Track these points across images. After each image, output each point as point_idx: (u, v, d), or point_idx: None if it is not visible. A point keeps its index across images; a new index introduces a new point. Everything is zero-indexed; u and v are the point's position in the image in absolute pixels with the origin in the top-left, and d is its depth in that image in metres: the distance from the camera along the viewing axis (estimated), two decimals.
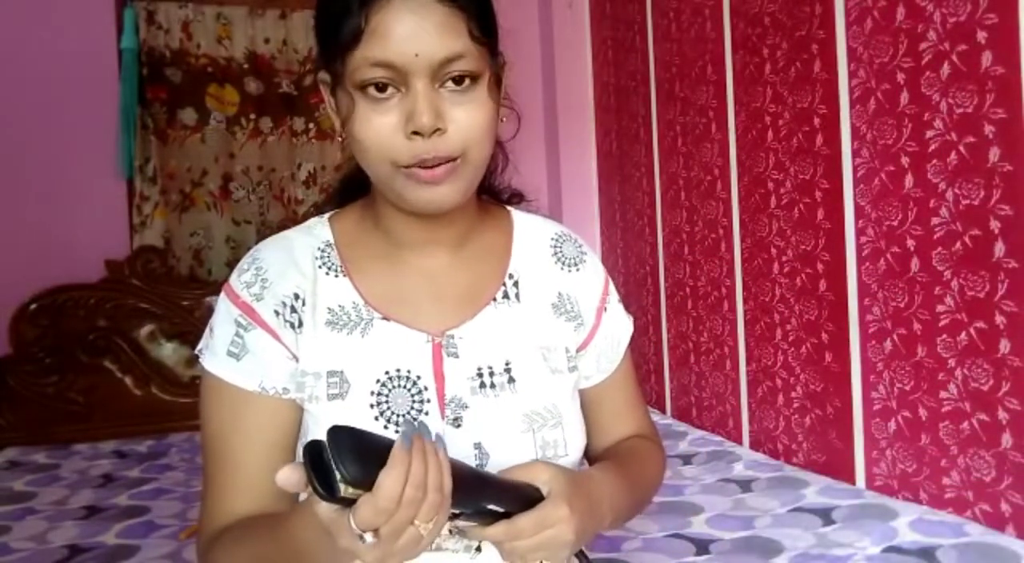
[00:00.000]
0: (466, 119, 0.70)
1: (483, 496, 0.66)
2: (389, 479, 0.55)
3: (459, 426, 0.75)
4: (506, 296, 0.82)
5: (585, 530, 0.70)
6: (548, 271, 0.86)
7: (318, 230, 0.82)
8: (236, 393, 0.75)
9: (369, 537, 0.56)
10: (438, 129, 0.68)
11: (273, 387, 0.76)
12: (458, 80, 0.69)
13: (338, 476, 0.54)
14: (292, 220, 2.86)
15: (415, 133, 0.68)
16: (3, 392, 2.49)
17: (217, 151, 2.88)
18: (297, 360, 0.76)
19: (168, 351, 2.68)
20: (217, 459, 0.76)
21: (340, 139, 0.76)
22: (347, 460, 0.54)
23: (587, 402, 0.89)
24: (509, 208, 0.90)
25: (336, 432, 0.56)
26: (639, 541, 1.54)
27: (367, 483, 0.55)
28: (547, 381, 0.80)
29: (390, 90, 0.68)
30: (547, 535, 0.67)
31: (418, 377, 0.76)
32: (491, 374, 0.77)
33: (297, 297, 0.77)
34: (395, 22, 0.66)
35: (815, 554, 1.43)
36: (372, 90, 0.68)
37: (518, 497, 0.68)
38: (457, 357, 0.77)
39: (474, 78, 0.70)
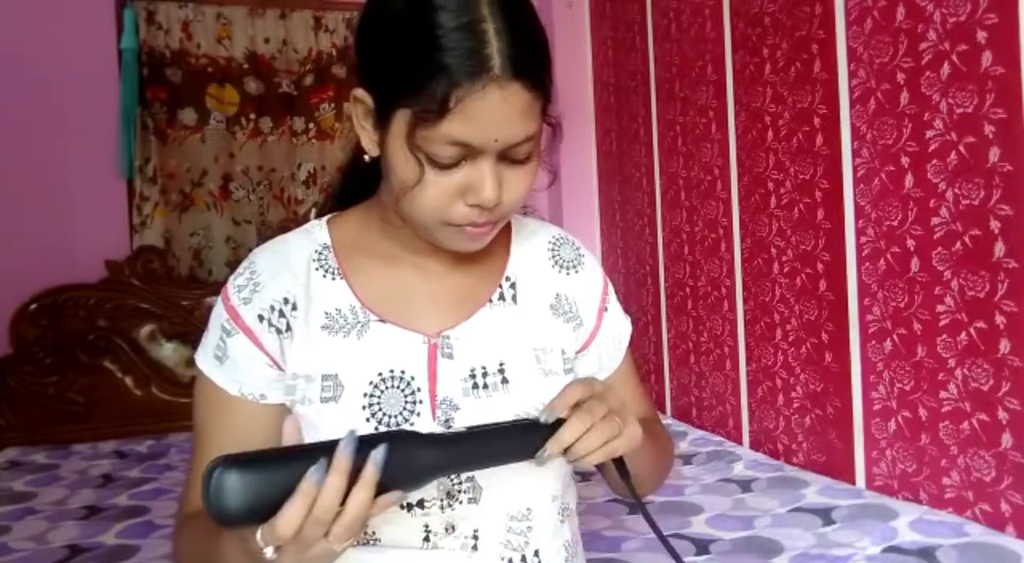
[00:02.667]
0: (518, 188, 0.72)
1: (483, 459, 0.66)
2: (290, 512, 0.56)
3: (450, 427, 0.75)
4: (502, 298, 0.82)
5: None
6: (546, 274, 0.86)
7: (316, 233, 0.82)
8: (219, 393, 0.77)
9: (270, 552, 0.58)
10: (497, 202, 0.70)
11: (251, 393, 0.77)
12: (521, 158, 0.70)
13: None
14: (292, 220, 2.87)
15: (476, 205, 0.69)
16: (3, 392, 2.49)
17: (217, 151, 2.88)
18: (279, 367, 0.77)
19: (168, 351, 2.68)
20: (197, 450, 0.79)
21: (368, 158, 0.74)
22: (223, 502, 0.55)
23: None
24: None
25: (220, 470, 0.55)
26: (639, 541, 1.54)
27: (248, 521, 0.56)
28: (540, 383, 0.80)
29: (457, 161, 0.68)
30: (599, 389, 0.70)
31: (412, 378, 0.76)
32: (484, 375, 0.77)
33: (287, 301, 0.77)
34: (485, 109, 0.65)
35: (815, 554, 1.43)
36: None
37: (514, 439, 0.68)
38: (452, 358, 0.77)
39: (531, 153, 0.71)
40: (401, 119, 0.67)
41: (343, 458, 0.57)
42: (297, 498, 0.56)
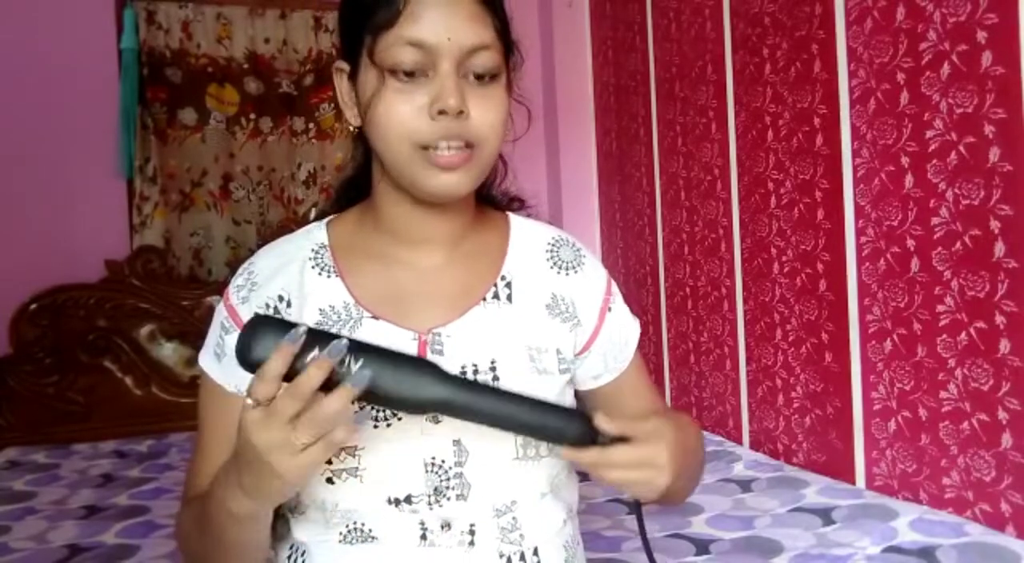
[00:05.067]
0: (486, 111, 0.74)
1: (488, 416, 0.68)
2: (273, 361, 0.62)
3: (438, 422, 0.75)
4: (496, 296, 0.82)
5: (675, 476, 0.73)
6: (543, 274, 0.86)
7: (315, 233, 0.84)
8: (217, 389, 0.80)
9: (250, 401, 0.63)
10: (462, 112, 0.72)
11: (246, 390, 0.77)
12: (480, 76, 0.73)
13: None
14: (292, 220, 2.86)
15: (441, 113, 0.71)
16: (3, 392, 2.48)
17: (217, 151, 2.87)
18: None
19: (168, 351, 2.67)
20: (198, 443, 0.83)
21: (352, 128, 0.80)
22: (250, 344, 0.64)
23: (605, 398, 0.91)
24: (507, 213, 0.90)
25: (258, 318, 0.65)
26: (639, 541, 1.54)
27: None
28: (533, 381, 0.80)
29: (418, 74, 0.72)
30: (644, 475, 0.71)
31: None
32: (475, 372, 0.78)
33: (282, 299, 0.79)
34: (431, 7, 0.71)
35: (815, 554, 1.43)
36: (402, 74, 0.72)
37: (528, 415, 0.69)
38: (442, 355, 0.78)
39: (494, 76, 0.74)
40: (365, 48, 0.73)
41: (324, 360, 0.62)
42: (276, 355, 0.61)
